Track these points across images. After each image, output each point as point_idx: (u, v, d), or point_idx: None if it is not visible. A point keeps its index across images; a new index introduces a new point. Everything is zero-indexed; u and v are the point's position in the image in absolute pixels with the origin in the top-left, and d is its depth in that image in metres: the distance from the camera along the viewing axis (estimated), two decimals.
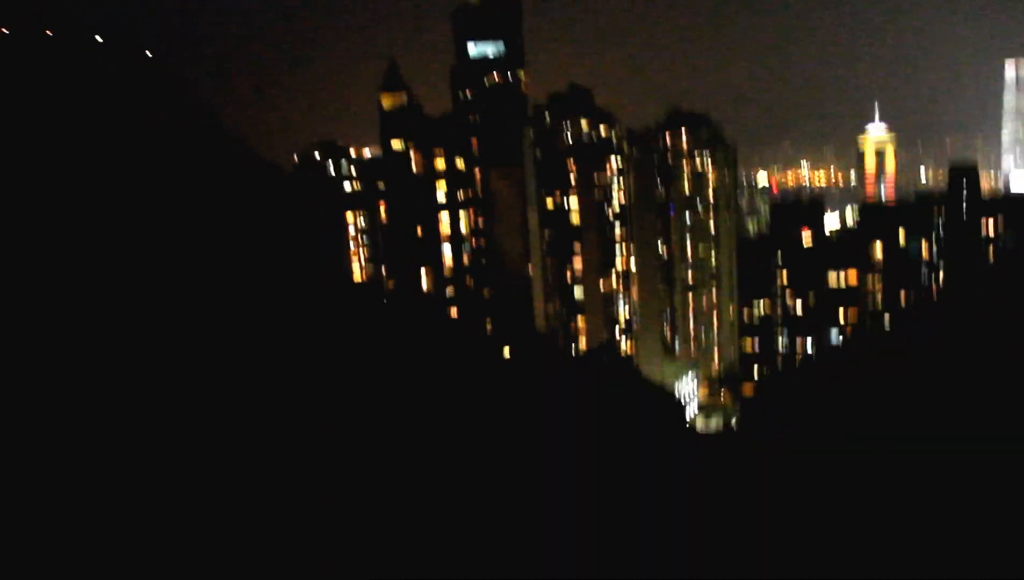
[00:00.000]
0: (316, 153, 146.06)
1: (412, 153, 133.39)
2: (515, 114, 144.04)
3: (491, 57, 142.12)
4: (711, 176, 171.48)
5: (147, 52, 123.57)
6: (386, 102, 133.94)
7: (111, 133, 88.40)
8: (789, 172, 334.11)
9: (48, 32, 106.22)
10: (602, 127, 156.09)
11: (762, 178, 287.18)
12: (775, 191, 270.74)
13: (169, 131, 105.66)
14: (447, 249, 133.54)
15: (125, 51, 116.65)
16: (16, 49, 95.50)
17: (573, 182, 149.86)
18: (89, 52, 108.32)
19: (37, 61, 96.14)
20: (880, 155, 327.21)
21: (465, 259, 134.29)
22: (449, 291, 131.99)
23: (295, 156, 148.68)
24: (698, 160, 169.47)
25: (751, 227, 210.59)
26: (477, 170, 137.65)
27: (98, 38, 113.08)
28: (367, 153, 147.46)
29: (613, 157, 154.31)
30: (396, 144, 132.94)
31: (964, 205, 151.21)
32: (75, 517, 33.85)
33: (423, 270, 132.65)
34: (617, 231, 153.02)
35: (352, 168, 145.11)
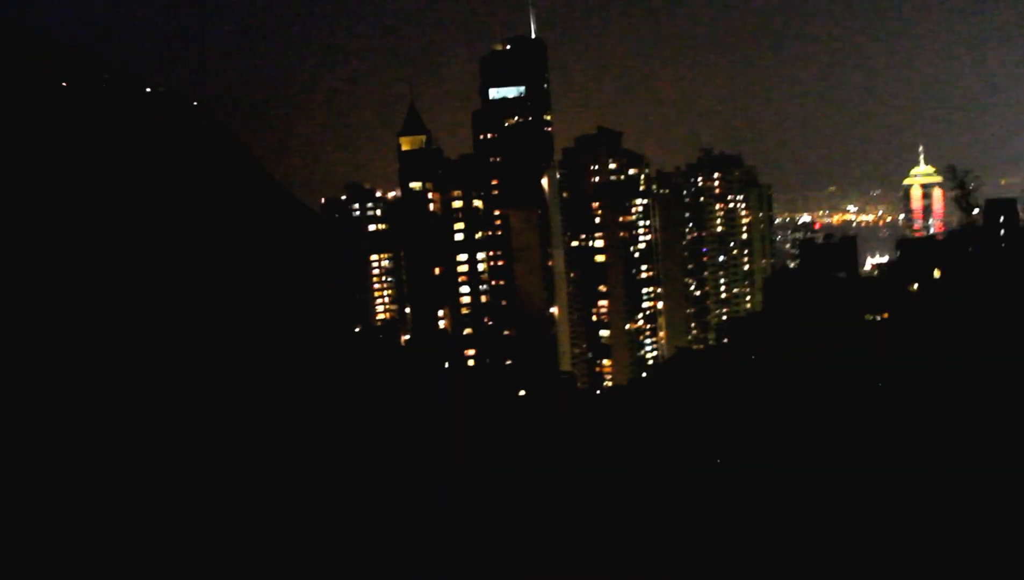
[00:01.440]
0: (342, 195, 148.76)
1: (431, 194, 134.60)
2: (537, 155, 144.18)
3: (513, 100, 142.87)
4: (743, 217, 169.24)
5: (194, 101, 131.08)
6: (405, 145, 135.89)
7: (160, 173, 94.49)
8: (835, 215, 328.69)
9: (103, 83, 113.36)
10: (631, 169, 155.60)
11: (805, 220, 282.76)
12: (817, 227, 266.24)
13: (212, 172, 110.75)
14: (465, 289, 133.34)
15: (174, 100, 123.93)
16: (75, 99, 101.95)
17: (600, 222, 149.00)
18: (142, 101, 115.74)
19: (94, 110, 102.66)
20: (928, 196, 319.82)
21: (483, 299, 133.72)
22: (467, 331, 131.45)
23: (322, 198, 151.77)
24: (730, 201, 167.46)
25: (791, 267, 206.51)
26: (498, 211, 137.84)
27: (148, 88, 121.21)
28: (392, 195, 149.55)
29: (641, 198, 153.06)
30: (414, 186, 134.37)
31: (1001, 237, 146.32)
32: (74, 517, 34.31)
33: (443, 310, 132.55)
34: (644, 272, 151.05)
35: (377, 210, 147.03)
